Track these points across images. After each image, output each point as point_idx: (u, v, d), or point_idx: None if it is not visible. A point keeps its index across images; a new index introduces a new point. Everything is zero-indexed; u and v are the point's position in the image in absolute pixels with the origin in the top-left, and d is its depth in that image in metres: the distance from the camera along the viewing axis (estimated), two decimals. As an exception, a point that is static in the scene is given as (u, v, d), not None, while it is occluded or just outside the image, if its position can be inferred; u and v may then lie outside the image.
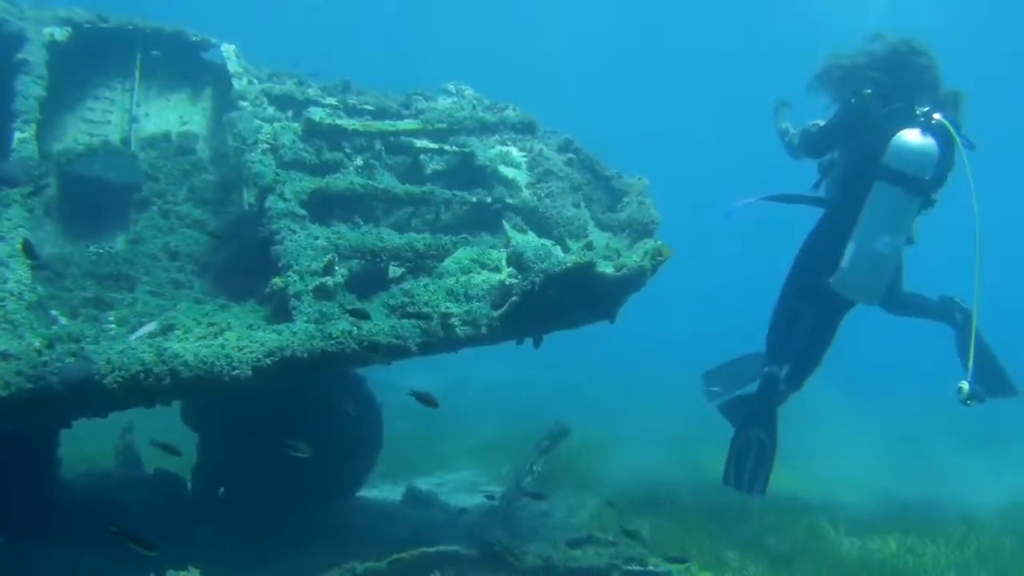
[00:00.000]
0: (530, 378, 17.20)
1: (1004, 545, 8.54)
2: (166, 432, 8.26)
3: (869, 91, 7.37)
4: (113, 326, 5.92)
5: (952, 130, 7.08)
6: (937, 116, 7.14)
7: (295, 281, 5.70)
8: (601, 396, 16.04)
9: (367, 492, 8.51)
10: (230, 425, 6.99)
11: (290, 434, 6.94)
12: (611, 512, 8.52)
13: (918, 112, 7.20)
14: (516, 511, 7.58)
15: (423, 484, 9.55)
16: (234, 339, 5.27)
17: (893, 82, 7.42)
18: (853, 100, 7.48)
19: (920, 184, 7.08)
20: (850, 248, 7.29)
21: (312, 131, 6.87)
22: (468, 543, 6.38)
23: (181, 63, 8.07)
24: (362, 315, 5.68)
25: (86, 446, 9.30)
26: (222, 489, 7.28)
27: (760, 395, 7.84)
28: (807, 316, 7.87)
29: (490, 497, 7.83)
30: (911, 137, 7.05)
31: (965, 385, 6.61)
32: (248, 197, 6.60)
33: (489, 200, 7.01)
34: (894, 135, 7.09)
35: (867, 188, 7.22)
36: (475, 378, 17.03)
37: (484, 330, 5.98)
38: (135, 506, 6.82)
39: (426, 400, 5.72)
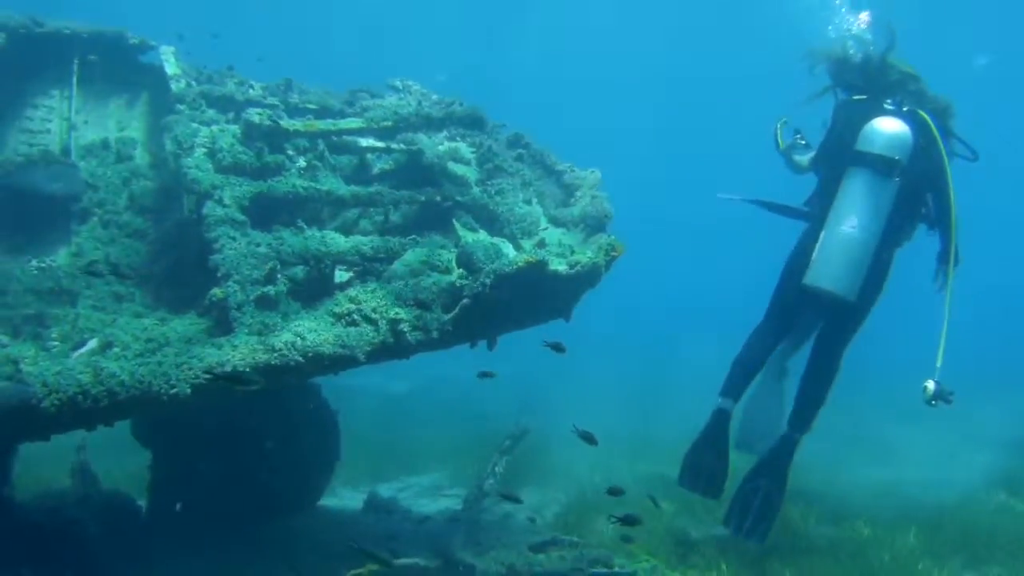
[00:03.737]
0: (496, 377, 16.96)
1: (978, 530, 8.47)
2: (119, 447, 8.10)
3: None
4: (56, 343, 5.70)
5: (928, 119, 7.00)
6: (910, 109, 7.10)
7: (235, 291, 5.49)
8: (565, 393, 15.88)
9: (327, 500, 8.35)
10: (183, 440, 6.81)
11: (245, 447, 6.82)
12: (576, 512, 8.39)
13: (887, 105, 7.14)
14: (479, 515, 7.42)
15: (386, 489, 9.40)
16: (172, 355, 5.06)
17: (867, 85, 7.41)
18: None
19: (890, 164, 6.83)
20: (821, 238, 6.99)
21: (252, 133, 6.60)
22: (430, 554, 6.23)
23: (119, 67, 7.82)
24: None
25: (44, 467, 9.09)
26: (178, 504, 7.12)
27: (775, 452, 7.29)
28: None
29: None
30: (879, 122, 6.96)
31: (931, 384, 6.38)
32: (188, 204, 6.37)
33: (438, 199, 6.81)
34: (864, 124, 7.00)
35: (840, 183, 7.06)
36: (443, 379, 16.81)
37: (435, 335, 5.79)
38: (91, 525, 6.62)
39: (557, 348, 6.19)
